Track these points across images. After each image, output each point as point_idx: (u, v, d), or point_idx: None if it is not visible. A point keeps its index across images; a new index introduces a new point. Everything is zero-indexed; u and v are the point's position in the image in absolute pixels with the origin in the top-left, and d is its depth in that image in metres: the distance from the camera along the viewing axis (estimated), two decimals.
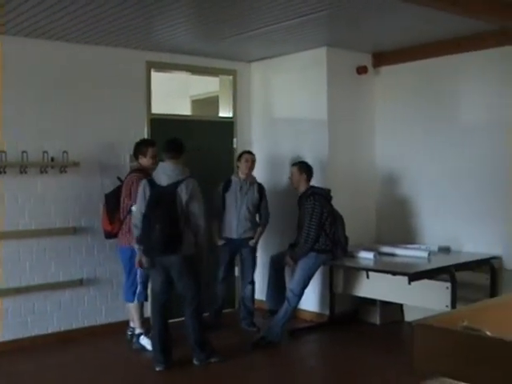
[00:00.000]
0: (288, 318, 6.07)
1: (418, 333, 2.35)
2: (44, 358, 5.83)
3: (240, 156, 6.62)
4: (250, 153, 6.67)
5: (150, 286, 5.81)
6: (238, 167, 6.65)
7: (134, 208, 5.61)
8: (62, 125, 6.24)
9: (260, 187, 6.65)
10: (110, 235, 6.02)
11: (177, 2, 4.89)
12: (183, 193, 5.26)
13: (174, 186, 5.28)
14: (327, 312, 6.77)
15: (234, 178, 6.57)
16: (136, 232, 5.42)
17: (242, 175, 6.55)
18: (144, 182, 5.42)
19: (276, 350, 5.96)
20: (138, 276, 5.87)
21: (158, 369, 5.41)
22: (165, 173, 5.38)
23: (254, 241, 6.57)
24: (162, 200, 5.27)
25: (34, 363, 5.68)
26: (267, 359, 5.86)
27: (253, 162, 6.58)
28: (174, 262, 5.30)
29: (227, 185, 6.53)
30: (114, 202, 5.92)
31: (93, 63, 6.44)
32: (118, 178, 6.09)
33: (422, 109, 6.84)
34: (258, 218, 6.68)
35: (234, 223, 6.46)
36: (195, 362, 5.50)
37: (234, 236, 6.47)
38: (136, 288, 5.92)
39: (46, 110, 6.15)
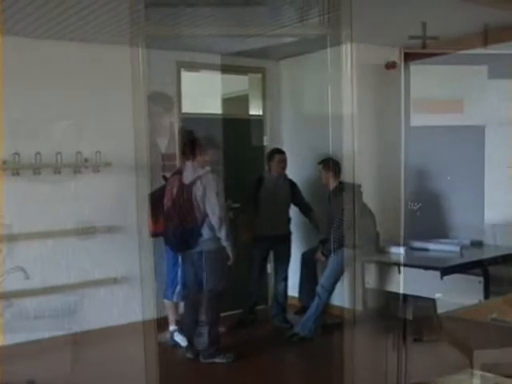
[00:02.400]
0: (320, 313, 6.09)
1: (446, 325, 2.37)
2: (82, 354, 5.92)
3: (272, 156, 6.64)
4: (281, 152, 6.70)
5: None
6: (269, 166, 6.67)
7: None
8: (94, 125, 6.33)
9: (291, 183, 6.69)
10: (153, 234, 6.00)
11: (205, 4, 4.96)
12: (198, 189, 5.39)
13: (192, 183, 5.43)
14: (359, 307, 6.78)
15: (266, 176, 6.61)
16: None
17: (274, 173, 6.58)
18: (176, 182, 5.59)
19: (309, 345, 5.99)
20: (178, 275, 5.96)
21: (188, 355, 5.72)
22: (186, 171, 5.57)
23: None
24: (180, 198, 5.46)
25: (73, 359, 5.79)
26: (300, 355, 5.90)
27: (285, 161, 6.62)
28: (195, 257, 5.47)
29: (260, 183, 6.57)
30: (157, 202, 5.90)
31: (125, 64, 6.51)
32: (164, 177, 6.11)
33: None
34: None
35: (269, 220, 6.49)
36: (201, 359, 5.57)
37: (269, 233, 6.49)
38: (176, 287, 6.01)
39: (81, 111, 6.25)
